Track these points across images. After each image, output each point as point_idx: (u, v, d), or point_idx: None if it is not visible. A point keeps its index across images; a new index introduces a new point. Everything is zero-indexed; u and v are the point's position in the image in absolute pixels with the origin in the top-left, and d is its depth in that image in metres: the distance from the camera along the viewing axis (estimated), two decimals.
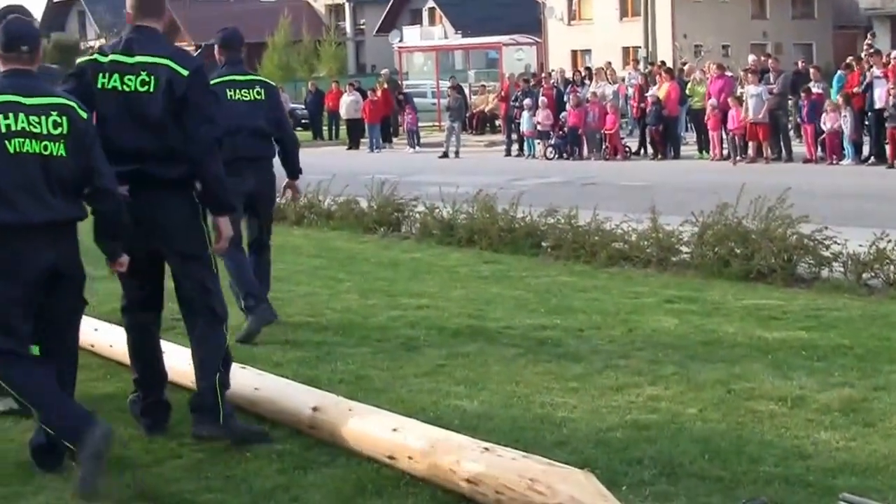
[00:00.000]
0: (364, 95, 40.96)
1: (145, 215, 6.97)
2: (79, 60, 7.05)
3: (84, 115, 6.58)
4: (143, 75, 6.96)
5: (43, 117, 6.40)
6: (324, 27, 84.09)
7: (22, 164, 6.32)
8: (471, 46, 57.52)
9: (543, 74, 40.66)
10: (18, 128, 6.33)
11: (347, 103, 41.28)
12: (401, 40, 69.83)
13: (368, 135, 39.92)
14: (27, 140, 6.33)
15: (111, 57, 7.01)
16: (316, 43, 73.99)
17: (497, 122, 42.31)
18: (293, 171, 10.89)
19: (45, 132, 6.38)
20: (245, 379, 7.65)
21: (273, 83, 11.08)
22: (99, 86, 6.97)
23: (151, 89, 6.96)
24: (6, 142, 6.30)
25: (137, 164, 6.95)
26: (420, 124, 41.00)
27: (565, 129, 33.22)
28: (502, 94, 37.93)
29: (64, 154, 6.43)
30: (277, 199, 11.58)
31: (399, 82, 47.21)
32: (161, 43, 7.27)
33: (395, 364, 8.78)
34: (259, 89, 10.43)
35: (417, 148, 38.58)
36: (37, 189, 6.35)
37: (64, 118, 6.45)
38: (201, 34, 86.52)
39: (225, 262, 9.43)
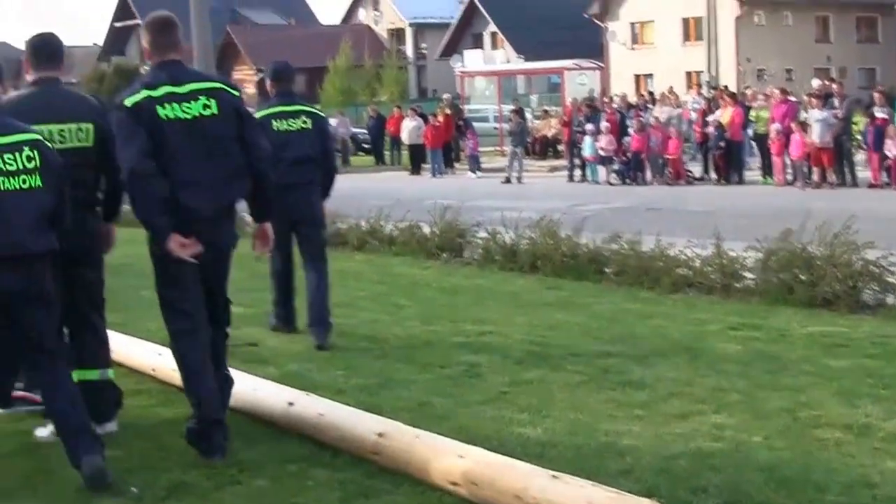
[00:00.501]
0: (426, 120, 41.07)
1: (211, 240, 7.29)
2: (129, 101, 7.13)
3: (51, 146, 6.93)
4: (203, 99, 7.22)
5: (17, 154, 6.67)
6: (385, 51, 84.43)
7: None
8: (533, 71, 57.48)
9: (606, 99, 40.62)
10: None
11: (409, 128, 41.38)
12: (462, 65, 69.92)
13: (430, 160, 40.01)
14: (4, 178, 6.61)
15: (163, 90, 7.17)
16: (377, 67, 74.26)
17: (559, 147, 42.32)
18: (324, 195, 11.34)
19: (20, 168, 6.65)
20: (309, 405, 7.67)
21: (321, 113, 11.48)
22: (163, 118, 7.11)
23: (216, 111, 7.24)
24: None
25: (210, 192, 7.24)
26: (482, 149, 41.01)
27: (628, 154, 33.14)
28: (565, 118, 37.86)
29: (39, 184, 6.70)
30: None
31: (461, 107, 47.22)
32: (197, 71, 7.81)
33: (458, 391, 8.76)
34: (305, 119, 10.88)
35: (479, 173, 38.57)
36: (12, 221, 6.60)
37: (35, 151, 6.72)
38: (262, 59, 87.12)
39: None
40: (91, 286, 7.92)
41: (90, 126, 7.61)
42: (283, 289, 11.53)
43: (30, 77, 7.74)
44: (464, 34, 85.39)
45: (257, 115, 8.43)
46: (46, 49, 7.78)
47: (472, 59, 76.55)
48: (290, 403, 7.76)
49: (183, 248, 7.07)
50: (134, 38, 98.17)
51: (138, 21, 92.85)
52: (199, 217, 7.18)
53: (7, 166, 6.61)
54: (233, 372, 8.45)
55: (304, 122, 10.83)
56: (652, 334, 10.65)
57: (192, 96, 7.21)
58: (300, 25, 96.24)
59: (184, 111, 7.16)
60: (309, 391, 8.13)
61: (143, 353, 9.70)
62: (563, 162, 38.16)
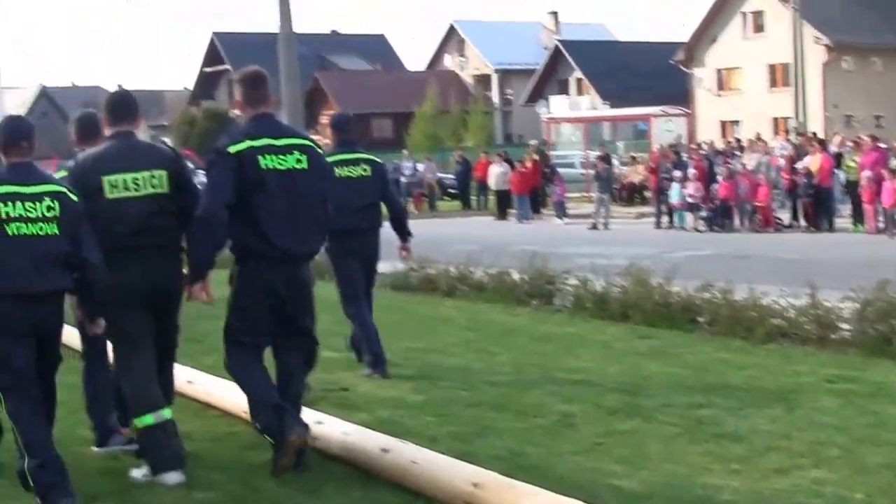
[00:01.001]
0: (512, 166, 41.12)
1: (295, 281, 8.16)
2: (233, 148, 7.83)
3: (75, 198, 7.62)
4: (297, 154, 8.03)
5: (38, 203, 7.42)
6: (471, 97, 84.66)
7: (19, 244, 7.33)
8: (620, 118, 57.43)
9: (693, 146, 40.46)
10: (16, 214, 7.35)
11: (496, 174, 41.44)
12: (548, 111, 70.05)
13: (517, 205, 39.99)
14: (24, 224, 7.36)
15: (263, 141, 7.91)
16: (463, 113, 74.48)
17: (646, 194, 42.19)
18: (403, 235, 12.30)
19: (40, 216, 7.41)
20: (403, 452, 7.64)
21: (378, 160, 11.98)
22: (262, 167, 7.85)
23: (305, 166, 8.04)
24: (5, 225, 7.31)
25: (306, 237, 8.09)
26: (567, 195, 40.96)
27: (716, 200, 32.96)
28: (652, 165, 37.72)
29: (56, 232, 7.44)
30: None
31: (547, 153, 47.21)
32: (289, 126, 8.71)
33: (552, 441, 8.70)
34: (365, 166, 11.63)
35: (565, 219, 38.51)
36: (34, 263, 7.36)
37: (56, 202, 7.47)
38: (349, 103, 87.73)
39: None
40: (171, 330, 8.37)
41: (163, 173, 8.08)
42: (372, 332, 11.83)
43: (107, 132, 8.35)
44: (549, 80, 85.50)
45: None
46: (122, 106, 8.41)
47: (557, 105, 76.71)
48: (384, 450, 7.75)
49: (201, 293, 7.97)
50: (223, 83, 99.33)
51: (227, 67, 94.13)
52: (289, 256, 7.99)
53: (28, 213, 7.36)
54: (326, 417, 8.52)
55: (364, 170, 11.58)
56: (746, 385, 10.51)
57: (287, 150, 8.00)
58: (387, 71, 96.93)
59: (280, 163, 7.91)
60: (402, 438, 8.10)
61: (236, 395, 9.71)
62: (650, 208, 38.04)
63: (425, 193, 47.39)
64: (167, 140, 46.57)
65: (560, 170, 43.31)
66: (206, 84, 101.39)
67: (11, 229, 7.29)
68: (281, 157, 7.93)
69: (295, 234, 7.95)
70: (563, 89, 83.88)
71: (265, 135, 7.95)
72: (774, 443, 8.40)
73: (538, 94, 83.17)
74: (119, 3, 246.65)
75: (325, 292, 16.96)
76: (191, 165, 37.34)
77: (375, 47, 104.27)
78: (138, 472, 8.05)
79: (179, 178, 8.16)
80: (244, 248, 8.03)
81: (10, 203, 7.33)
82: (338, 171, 10.89)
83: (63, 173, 8.46)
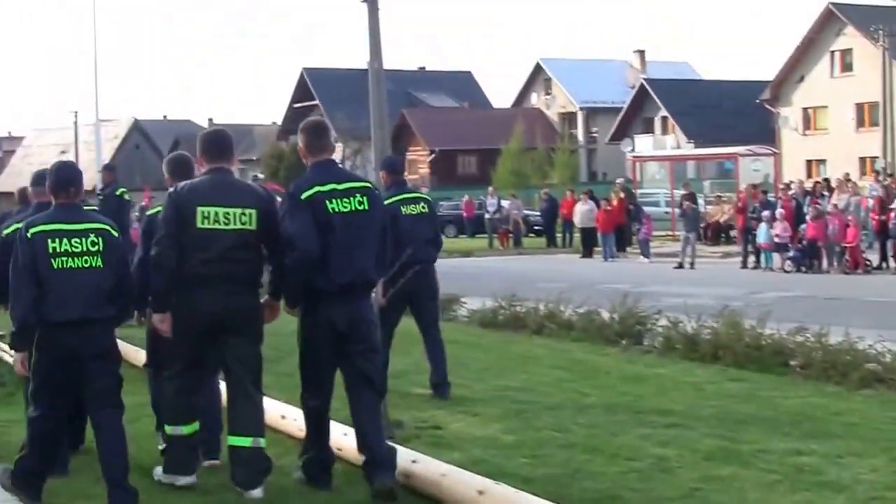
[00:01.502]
0: (597, 204, 41.03)
1: (358, 315, 8.70)
2: (304, 195, 8.54)
3: (116, 234, 8.46)
4: (358, 196, 8.70)
5: (83, 238, 8.25)
6: (557, 135, 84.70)
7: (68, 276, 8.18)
8: (707, 157, 57.17)
9: (781, 185, 40.16)
10: (62, 249, 8.19)
11: (582, 212, 41.34)
12: (633, 149, 69.90)
13: (602, 243, 39.85)
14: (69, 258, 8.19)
15: (329, 186, 8.62)
16: (549, 150, 74.46)
17: (732, 233, 41.92)
18: None
19: (84, 250, 8.24)
20: (499, 494, 7.58)
21: (430, 198, 13.10)
22: (329, 210, 8.54)
23: (366, 207, 8.70)
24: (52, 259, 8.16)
25: (357, 270, 8.64)
26: (653, 233, 40.77)
27: (804, 241, 32.66)
28: (739, 205, 37.43)
29: (100, 265, 8.25)
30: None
31: (633, 191, 47.06)
32: (349, 171, 9.49)
33: (648, 485, 8.59)
34: (423, 204, 12.58)
35: (651, 258, 38.32)
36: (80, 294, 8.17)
37: (100, 238, 8.30)
38: (435, 139, 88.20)
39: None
40: (248, 357, 8.75)
41: (253, 211, 8.67)
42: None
43: (203, 168, 9.01)
44: (634, 118, 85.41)
45: (385, 202, 9.69)
46: (217, 144, 9.09)
47: (642, 144, 76.57)
48: (480, 492, 7.69)
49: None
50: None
51: (316, 102, 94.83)
52: (346, 290, 8.57)
53: (73, 248, 8.20)
54: (421, 457, 8.49)
55: (423, 208, 12.54)
56: (845, 432, 10.32)
57: (350, 193, 8.70)
58: (473, 108, 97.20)
59: (343, 205, 8.61)
60: (495, 479, 8.05)
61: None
62: (736, 248, 37.74)
63: (510, 230, 47.35)
64: (259, 174, 46.92)
65: (645, 208, 43.13)
66: (295, 119, 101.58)
67: (57, 263, 8.15)
68: (344, 199, 8.63)
69: (354, 269, 8.59)
70: (648, 128, 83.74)
71: (330, 180, 8.69)
72: (878, 493, 8.25)
73: (623, 133, 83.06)
74: (212, 38, 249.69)
75: (407, 326, 16.97)
76: (279, 199, 37.67)
77: (462, 84, 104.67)
78: (161, 474, 8.94)
79: (267, 219, 8.72)
80: (309, 284, 8.59)
81: (56, 239, 8.19)
82: (404, 209, 12.19)
83: (158, 209, 9.21)
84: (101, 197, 20.11)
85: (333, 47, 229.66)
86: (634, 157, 60.14)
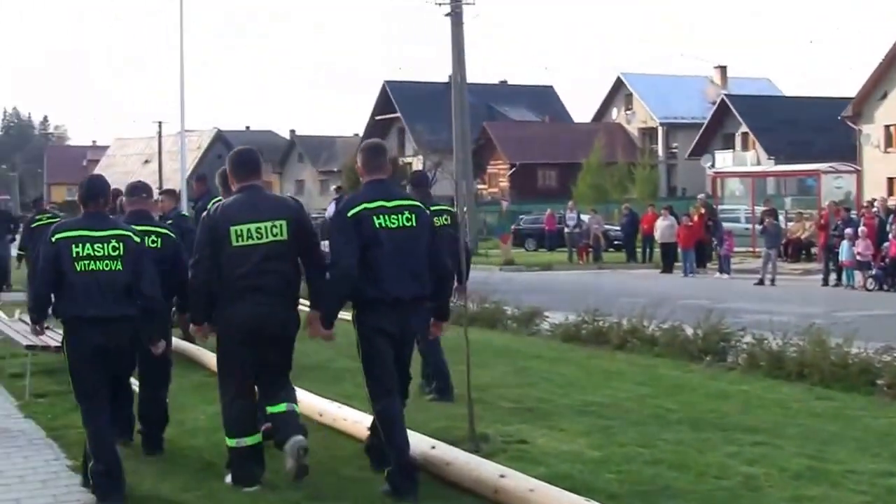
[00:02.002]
0: (678, 219, 40.87)
1: (409, 324, 9.20)
2: (351, 212, 9.03)
3: (137, 239, 9.32)
4: (406, 213, 9.18)
5: (105, 244, 9.11)
6: (637, 150, 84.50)
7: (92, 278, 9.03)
8: (789, 173, 56.73)
9: (865, 203, 39.82)
10: (84, 253, 9.04)
11: (662, 227, 41.20)
12: (712, 165, 69.56)
13: (682, 259, 39.68)
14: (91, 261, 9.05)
15: (377, 204, 9.09)
16: (629, 165, 74.29)
17: (812, 250, 41.61)
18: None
19: (105, 254, 9.09)
20: None
21: (454, 211, 13.43)
22: (376, 226, 9.01)
23: (414, 224, 9.18)
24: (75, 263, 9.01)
25: (413, 284, 9.11)
26: (737, 249, 40.56)
27: (886, 259, 32.35)
28: (822, 222, 37.15)
29: (120, 268, 9.11)
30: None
31: (714, 207, 46.84)
32: (399, 189, 9.78)
33: None
34: (446, 216, 13.09)
35: (731, 274, 38.10)
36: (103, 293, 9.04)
37: (121, 244, 9.15)
38: (516, 153, 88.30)
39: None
40: (275, 362, 9.37)
41: (283, 223, 9.20)
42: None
43: (234, 187, 9.55)
44: (714, 134, 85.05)
45: None
46: (245, 164, 9.61)
47: (722, 159, 76.19)
48: None
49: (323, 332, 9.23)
50: (394, 131, 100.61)
51: (398, 115, 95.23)
52: (399, 301, 9.00)
53: (95, 252, 9.05)
54: (509, 471, 8.51)
55: (446, 220, 13.00)
56: None
57: (398, 210, 9.16)
58: (553, 123, 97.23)
59: (391, 221, 9.08)
60: (582, 494, 8.05)
61: (417, 446, 9.74)
62: (816, 265, 37.45)
63: (590, 245, 47.27)
64: (339, 185, 47.17)
65: (725, 224, 42.90)
66: (377, 131, 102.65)
67: (80, 266, 9.03)
68: (393, 216, 9.11)
69: (403, 281, 9.03)
70: (728, 143, 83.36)
71: (379, 198, 9.14)
72: None
73: (703, 148, 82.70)
74: (294, 50, 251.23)
75: (501, 340, 17.03)
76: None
77: (543, 98, 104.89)
78: (228, 478, 9.38)
79: (298, 227, 9.31)
80: (362, 295, 9.08)
81: (80, 244, 9.07)
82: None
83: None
84: (193, 208, 20.25)
85: (416, 60, 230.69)
86: (715, 172, 59.81)
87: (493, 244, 53.90)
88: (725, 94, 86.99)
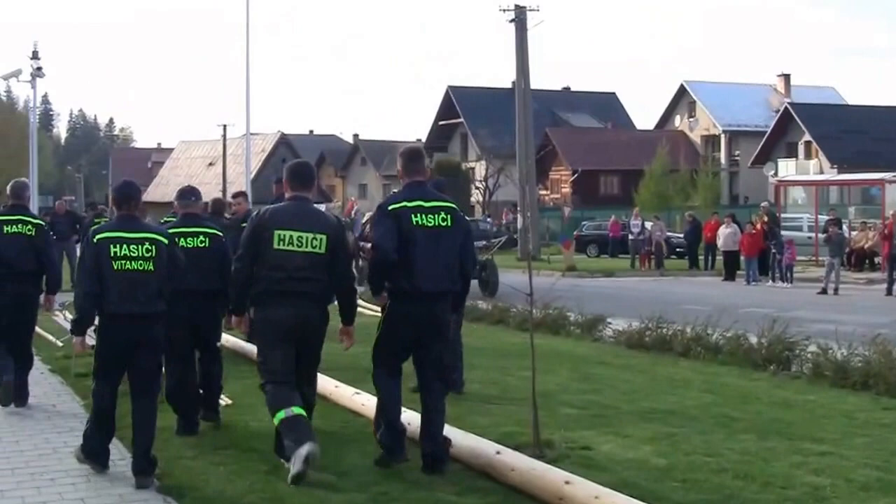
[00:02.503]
0: (740, 227, 40.69)
1: (433, 315, 9.93)
2: (391, 207, 9.83)
3: (167, 241, 10.18)
4: (443, 214, 9.94)
5: (139, 245, 9.94)
6: (699, 157, 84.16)
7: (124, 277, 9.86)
8: (853, 182, 56.34)
9: None
10: (121, 253, 9.86)
11: (725, 235, 41.01)
12: (775, 173, 69.19)
13: (745, 267, 39.47)
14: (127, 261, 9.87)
15: (416, 203, 9.86)
16: (692, 172, 73.99)
17: (876, 260, 41.28)
18: None
19: (139, 255, 9.92)
20: None
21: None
22: (414, 223, 9.77)
23: (449, 224, 9.96)
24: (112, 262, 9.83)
25: (443, 279, 9.90)
26: (799, 257, 40.28)
27: None
28: (886, 231, 36.84)
29: (152, 269, 9.93)
30: None
31: (777, 215, 46.56)
32: (435, 192, 10.32)
33: None
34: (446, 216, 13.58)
35: (792, 283, 37.87)
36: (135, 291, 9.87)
37: (153, 246, 9.97)
38: (578, 159, 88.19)
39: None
40: (308, 357, 10.09)
41: (324, 237, 9.88)
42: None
43: (288, 194, 10.19)
44: (777, 142, 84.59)
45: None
46: (301, 175, 10.27)
47: (784, 168, 75.75)
48: None
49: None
50: (457, 136, 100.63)
51: (461, 120, 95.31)
52: (428, 294, 9.82)
53: (131, 253, 9.87)
54: (574, 478, 8.50)
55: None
56: None
57: (435, 210, 9.92)
58: (616, 129, 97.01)
59: (428, 220, 9.84)
60: (648, 502, 8.04)
61: (481, 451, 9.77)
62: (880, 275, 37.12)
63: (652, 252, 47.09)
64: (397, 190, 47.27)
65: (787, 233, 42.63)
66: (440, 136, 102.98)
67: (117, 265, 9.82)
68: (429, 215, 9.87)
69: (434, 277, 9.81)
70: (791, 152, 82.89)
71: (418, 198, 9.91)
72: None
73: (765, 156, 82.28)
74: (358, 54, 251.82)
75: (564, 346, 16.99)
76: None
77: (606, 105, 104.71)
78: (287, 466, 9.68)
79: (336, 245, 9.95)
80: (396, 285, 9.89)
81: (117, 245, 9.88)
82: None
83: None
84: None
85: (479, 66, 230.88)
86: (779, 181, 59.46)
87: (554, 250, 53.82)
88: (789, 103, 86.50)
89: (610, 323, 19.93)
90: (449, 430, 10.10)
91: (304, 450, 9.29)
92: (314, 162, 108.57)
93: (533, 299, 11.33)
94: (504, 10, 54.90)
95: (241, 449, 10.79)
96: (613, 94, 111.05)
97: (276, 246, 9.76)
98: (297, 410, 9.65)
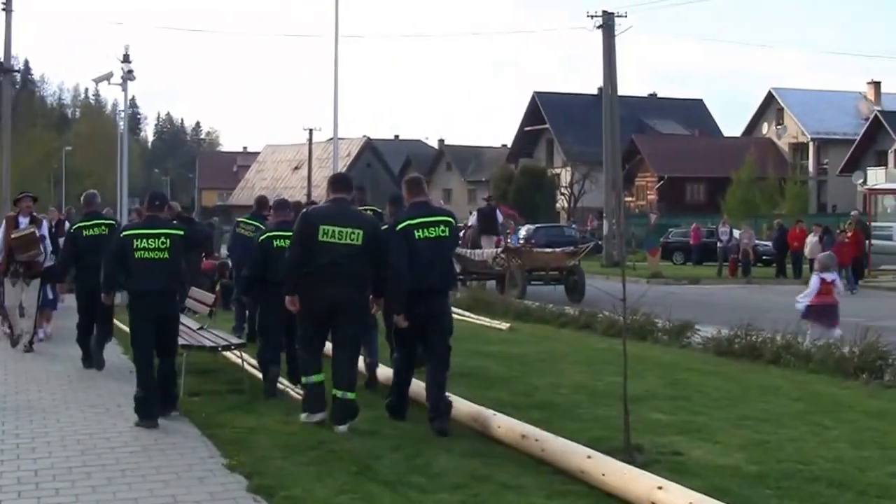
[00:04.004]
0: (831, 237, 40.27)
1: (432, 309, 12.06)
2: (399, 226, 12.10)
3: (181, 233, 13.16)
4: (442, 227, 12.19)
5: (156, 239, 12.81)
6: (787, 165, 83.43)
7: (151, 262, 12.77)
8: None
9: None
10: (142, 245, 12.75)
11: (812, 244, 40.62)
12: (864, 182, 68.44)
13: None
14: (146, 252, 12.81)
15: (419, 220, 12.10)
16: (779, 180, 73.34)
17: None
18: None
19: (156, 247, 12.80)
20: None
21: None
22: (417, 237, 12.00)
23: (447, 234, 12.25)
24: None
25: (437, 277, 12.12)
26: (886, 267, 39.78)
27: None
28: None
29: (167, 257, 12.81)
30: None
31: (868, 224, 46.03)
32: (438, 207, 13.62)
33: None
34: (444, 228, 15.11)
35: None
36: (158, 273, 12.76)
37: (168, 239, 12.84)
38: (664, 166, 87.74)
39: None
40: (347, 336, 12.11)
41: (360, 231, 11.97)
42: None
43: (330, 196, 12.33)
44: (866, 151, 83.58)
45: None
46: (341, 182, 12.59)
47: (874, 176, 74.84)
48: None
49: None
50: (543, 142, 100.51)
51: (546, 126, 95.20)
52: (430, 291, 12.02)
53: (150, 245, 12.76)
54: (667, 483, 8.41)
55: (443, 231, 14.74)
56: None
57: (435, 224, 12.17)
58: (703, 136, 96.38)
59: (429, 232, 12.08)
60: None
61: (572, 455, 9.70)
62: None
63: (739, 259, 46.71)
64: (489, 195, 47.35)
65: (878, 242, 42.12)
66: (525, 142, 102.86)
67: (139, 254, 12.73)
68: (430, 228, 12.10)
69: (435, 276, 12.07)
70: (881, 160, 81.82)
71: (420, 215, 12.17)
72: None
73: (854, 165, 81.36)
74: (444, 60, 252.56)
75: (652, 352, 16.86)
76: (500, 218, 37.57)
77: (693, 112, 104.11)
78: (303, 416, 12.19)
79: (371, 238, 11.99)
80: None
81: (140, 239, 12.81)
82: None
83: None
84: None
85: (566, 72, 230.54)
86: (869, 189, 58.76)
87: (640, 256, 53.55)
88: (879, 111, 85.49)
89: (698, 329, 19.76)
90: (538, 433, 10.05)
91: (317, 417, 11.99)
92: (399, 167, 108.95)
93: (626, 305, 11.26)
94: (592, 16, 54.73)
95: (330, 449, 10.79)
96: (700, 101, 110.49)
97: (320, 239, 11.81)
98: (315, 379, 12.10)
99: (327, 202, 12.38)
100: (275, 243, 14.27)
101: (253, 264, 14.67)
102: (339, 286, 11.77)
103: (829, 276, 18.70)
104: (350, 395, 11.87)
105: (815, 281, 18.75)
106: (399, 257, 11.85)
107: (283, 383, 14.34)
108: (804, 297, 18.62)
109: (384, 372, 14.44)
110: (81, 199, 18.36)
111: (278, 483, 9.49)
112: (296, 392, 13.57)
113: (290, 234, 12.86)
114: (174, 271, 12.92)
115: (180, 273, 13.24)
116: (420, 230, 12.02)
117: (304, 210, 12.76)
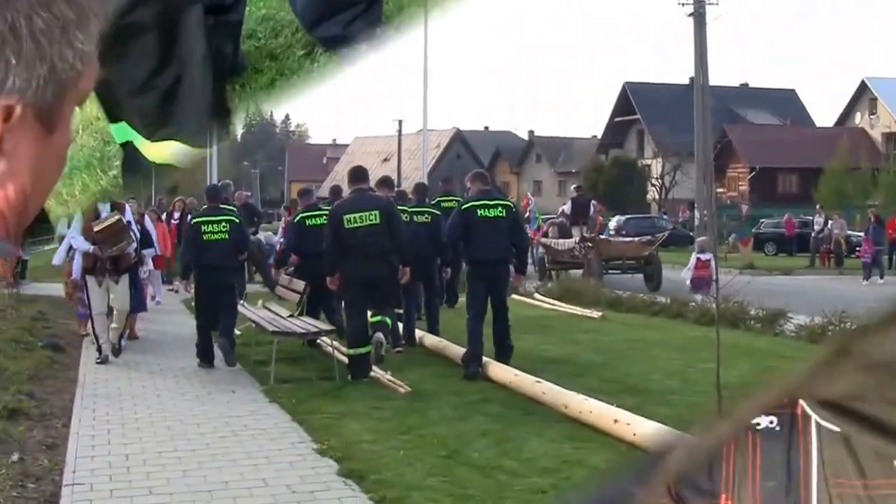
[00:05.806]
0: None
1: (496, 274, 15.20)
2: (465, 207, 15.47)
3: (238, 220, 16.35)
4: (500, 209, 15.21)
5: (218, 224, 15.97)
6: (881, 155, 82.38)
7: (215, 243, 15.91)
8: None
9: None
10: (208, 230, 15.91)
11: None
12: None
13: None
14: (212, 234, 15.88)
15: (482, 202, 15.22)
16: (873, 171, 72.45)
17: None
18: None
19: (219, 230, 15.90)
20: None
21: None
22: (479, 216, 15.06)
23: (504, 215, 15.21)
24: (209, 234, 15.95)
25: (498, 253, 15.07)
26: None
27: None
28: None
29: (227, 238, 15.90)
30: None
31: None
32: (498, 193, 17.13)
33: None
34: (427, 216, 18.75)
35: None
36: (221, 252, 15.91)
37: (227, 222, 15.93)
38: (756, 157, 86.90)
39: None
40: (386, 294, 14.74)
41: (377, 212, 14.56)
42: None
43: (351, 188, 15.27)
44: None
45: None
46: (357, 175, 15.33)
47: None
48: None
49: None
50: (633, 133, 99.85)
51: (637, 117, 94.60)
52: (488, 262, 15.00)
53: (213, 229, 15.81)
54: None
55: (426, 218, 18.58)
56: None
57: (495, 206, 15.22)
58: (795, 127, 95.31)
59: (489, 212, 15.08)
60: None
61: (662, 437, 9.60)
62: None
63: (832, 249, 46.20)
64: (579, 184, 47.25)
65: None
66: (616, 133, 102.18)
67: (206, 237, 15.77)
68: (491, 209, 15.15)
69: (489, 249, 14.94)
70: None
71: (483, 199, 15.34)
72: None
73: None
74: (536, 51, 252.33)
75: (744, 339, 16.68)
76: (592, 210, 37.40)
77: (785, 102, 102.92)
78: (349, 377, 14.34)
79: (387, 215, 14.61)
80: (469, 256, 15.68)
81: (207, 224, 15.92)
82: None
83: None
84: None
85: (656, 61, 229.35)
86: None
87: (731, 247, 53.10)
88: None
89: (791, 318, 19.56)
90: (629, 416, 9.98)
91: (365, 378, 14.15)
92: (489, 158, 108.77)
93: (719, 294, 11.17)
94: (683, 4, 54.28)
95: (420, 434, 10.79)
96: (793, 90, 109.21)
97: (346, 226, 14.45)
98: (362, 350, 14.18)
99: (349, 195, 15.41)
100: (307, 222, 17.54)
101: (288, 243, 18.87)
102: (367, 262, 14.28)
103: None
104: (388, 321, 14.69)
105: None
106: (454, 231, 15.44)
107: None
108: None
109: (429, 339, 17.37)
110: (237, 196, 24.59)
111: (369, 467, 9.52)
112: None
113: (317, 213, 17.27)
114: (232, 250, 16.05)
115: (241, 253, 16.89)
116: (482, 210, 15.11)
117: (334, 205, 16.02)
